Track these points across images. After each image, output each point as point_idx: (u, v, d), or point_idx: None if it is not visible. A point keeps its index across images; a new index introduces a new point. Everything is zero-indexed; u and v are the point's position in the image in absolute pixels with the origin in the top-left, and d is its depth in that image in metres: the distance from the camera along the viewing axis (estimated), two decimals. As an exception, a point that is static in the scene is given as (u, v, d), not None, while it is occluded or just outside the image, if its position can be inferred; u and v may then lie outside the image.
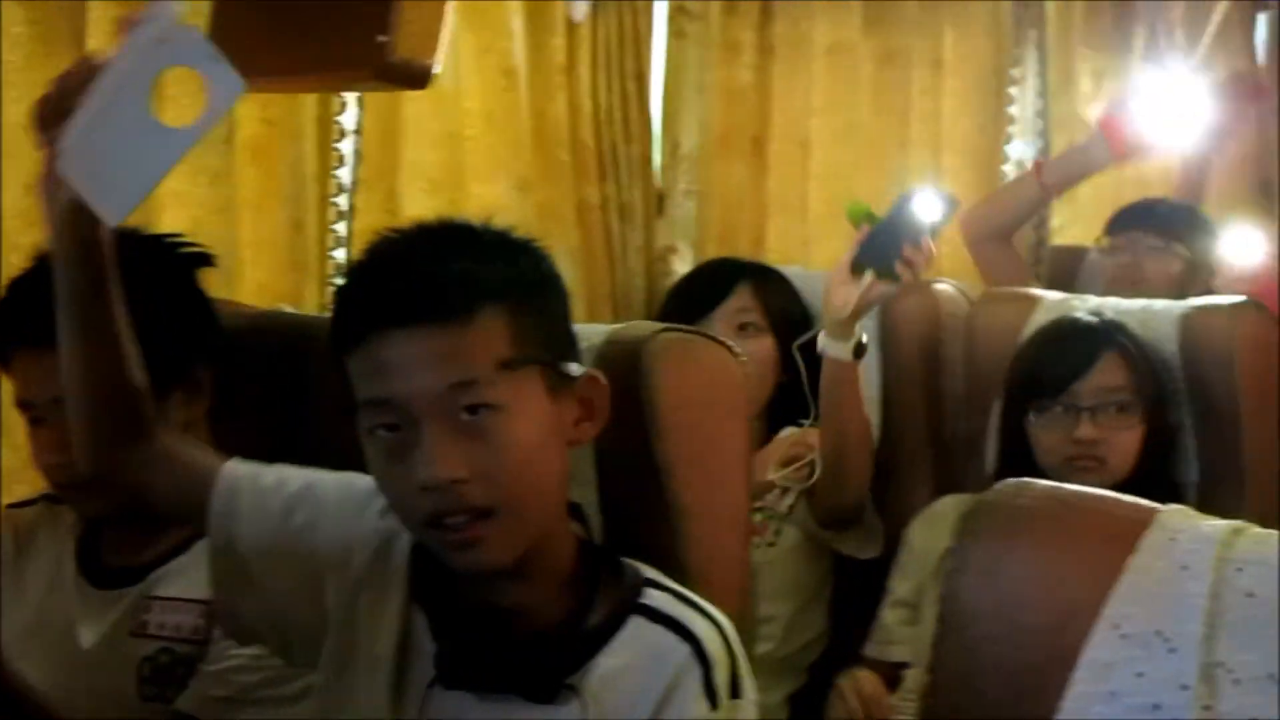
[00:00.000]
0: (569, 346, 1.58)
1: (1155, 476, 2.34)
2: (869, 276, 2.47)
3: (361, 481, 1.59)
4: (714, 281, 2.89)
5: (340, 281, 2.08)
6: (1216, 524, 1.24)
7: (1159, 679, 1.19)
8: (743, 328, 2.80)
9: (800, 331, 2.79)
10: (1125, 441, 2.38)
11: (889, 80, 3.96)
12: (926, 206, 2.50)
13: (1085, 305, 2.57)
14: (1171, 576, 1.21)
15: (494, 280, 1.49)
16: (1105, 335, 2.43)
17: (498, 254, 1.53)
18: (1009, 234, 3.40)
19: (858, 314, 2.50)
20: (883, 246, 2.48)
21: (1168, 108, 3.26)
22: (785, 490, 2.69)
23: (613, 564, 1.59)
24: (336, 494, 1.65)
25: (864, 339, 2.53)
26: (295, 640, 1.65)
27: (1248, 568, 1.20)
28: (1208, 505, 1.37)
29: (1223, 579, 1.20)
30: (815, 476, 2.63)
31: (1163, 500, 1.30)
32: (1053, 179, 3.37)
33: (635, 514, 1.72)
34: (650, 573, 1.60)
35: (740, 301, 2.83)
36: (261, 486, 1.64)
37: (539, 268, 1.57)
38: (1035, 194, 3.40)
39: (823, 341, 2.54)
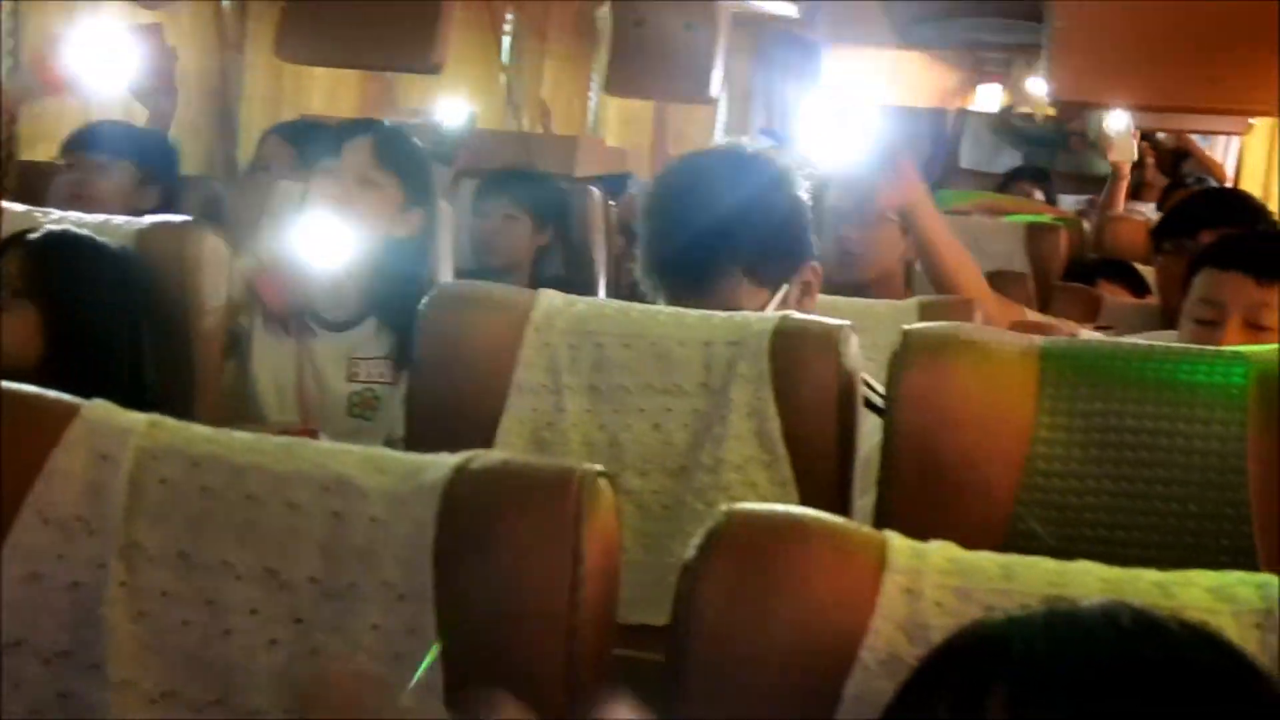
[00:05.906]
0: None
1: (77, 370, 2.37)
2: None
3: None
4: None
5: None
6: (137, 417, 1.35)
7: (78, 559, 1.30)
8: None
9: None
10: None
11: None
12: None
13: (49, 218, 2.62)
14: (92, 465, 1.31)
15: None
16: None
17: None
18: None
19: None
20: None
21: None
22: None
23: None
24: None
25: None
26: None
27: (163, 457, 1.32)
28: (164, 406, 1.48)
29: (140, 466, 1.31)
30: None
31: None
32: None
33: None
34: None
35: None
36: None
37: None
38: None
39: None
